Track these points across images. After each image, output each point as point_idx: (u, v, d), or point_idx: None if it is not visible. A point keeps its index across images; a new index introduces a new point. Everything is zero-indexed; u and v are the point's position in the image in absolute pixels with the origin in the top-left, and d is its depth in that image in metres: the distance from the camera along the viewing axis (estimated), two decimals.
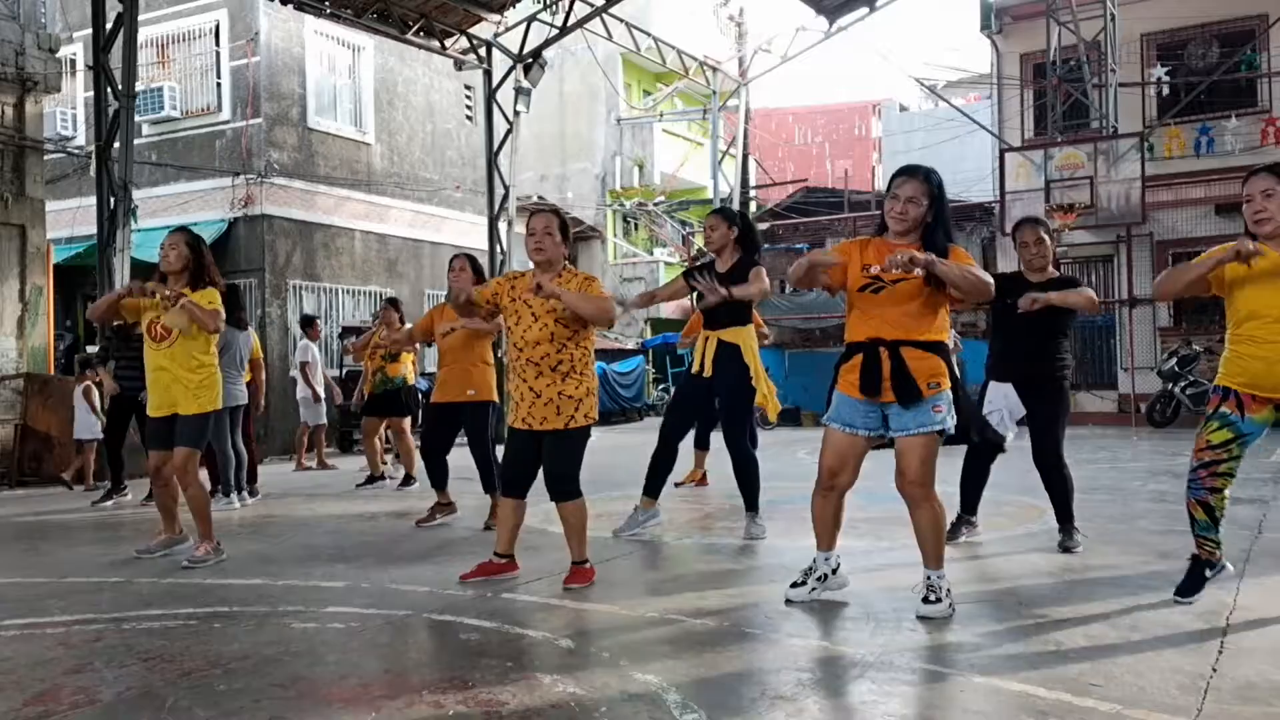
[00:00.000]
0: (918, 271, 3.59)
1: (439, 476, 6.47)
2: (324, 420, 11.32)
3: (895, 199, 3.82)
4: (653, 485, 5.91)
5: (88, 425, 9.39)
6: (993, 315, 5.25)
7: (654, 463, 5.90)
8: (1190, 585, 3.95)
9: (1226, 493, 3.89)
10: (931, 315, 3.78)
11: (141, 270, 11.11)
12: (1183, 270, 3.87)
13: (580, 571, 4.49)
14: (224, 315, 5.38)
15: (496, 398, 6.39)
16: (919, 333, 3.75)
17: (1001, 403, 5.20)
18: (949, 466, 5.14)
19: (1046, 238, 5.16)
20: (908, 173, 3.87)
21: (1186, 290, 3.89)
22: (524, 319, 4.43)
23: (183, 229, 5.62)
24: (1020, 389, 5.15)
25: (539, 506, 5.14)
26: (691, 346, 6.19)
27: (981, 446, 5.15)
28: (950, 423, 3.79)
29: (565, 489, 4.46)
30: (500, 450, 5.01)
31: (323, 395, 11.04)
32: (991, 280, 3.75)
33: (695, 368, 5.75)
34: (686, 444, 6.44)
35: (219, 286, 5.43)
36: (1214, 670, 3.08)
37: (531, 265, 4.54)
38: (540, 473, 4.53)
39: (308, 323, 11.17)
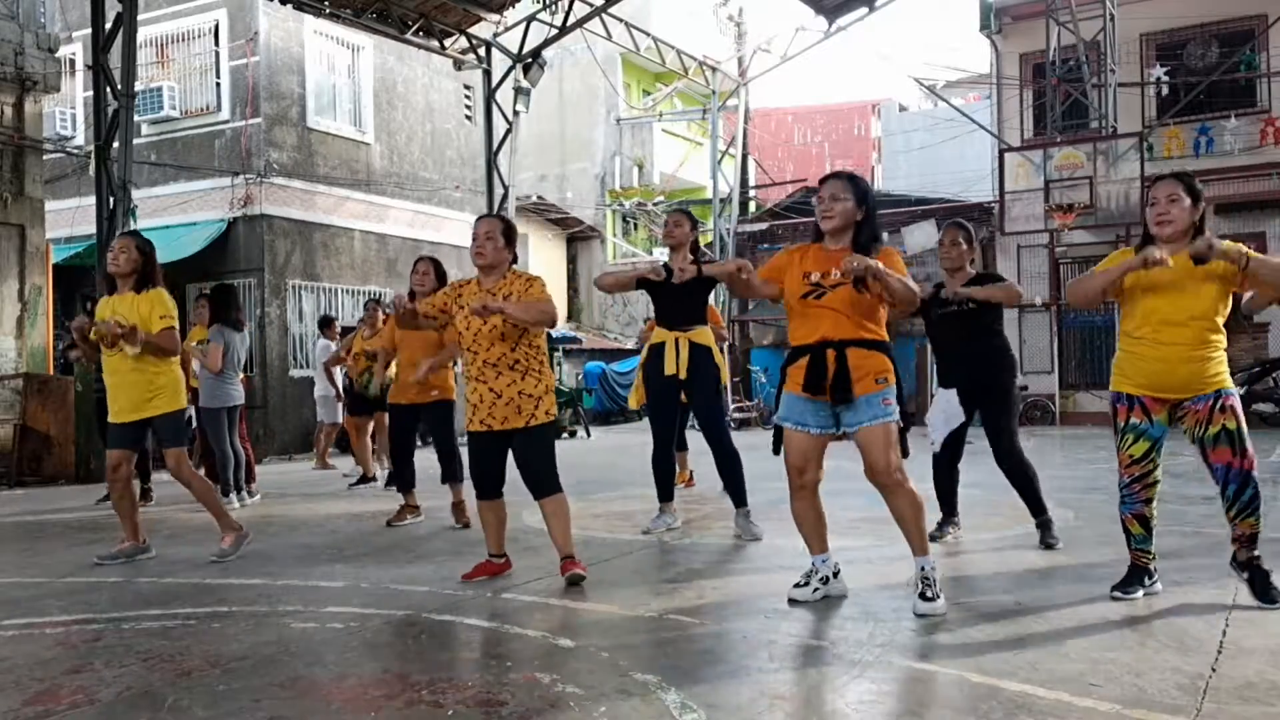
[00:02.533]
0: (868, 282, 3.72)
1: (406, 478, 6.61)
2: (339, 420, 11.36)
3: (821, 200, 3.99)
4: (664, 490, 6.00)
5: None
6: (927, 329, 5.37)
7: (655, 471, 5.97)
8: (1128, 584, 4.04)
9: (1156, 501, 4.01)
10: (872, 316, 3.91)
11: None
12: (1088, 279, 3.98)
13: (570, 564, 4.51)
14: (175, 319, 5.28)
15: (454, 396, 6.47)
16: (863, 332, 3.87)
17: (941, 409, 5.29)
18: (924, 466, 5.17)
19: (963, 242, 5.23)
20: (830, 176, 4.07)
21: (1100, 297, 3.99)
22: (473, 323, 4.45)
23: (132, 232, 5.60)
24: (965, 395, 5.21)
25: (533, 508, 5.15)
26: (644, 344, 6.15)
27: (940, 453, 5.32)
28: (897, 413, 3.89)
29: (543, 485, 4.51)
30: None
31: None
32: (919, 291, 3.92)
33: (669, 370, 5.74)
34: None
35: (161, 285, 5.37)
36: (1214, 670, 3.08)
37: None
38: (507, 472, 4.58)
39: (326, 323, 11.32)
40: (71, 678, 3.22)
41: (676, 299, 5.75)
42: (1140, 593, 4.02)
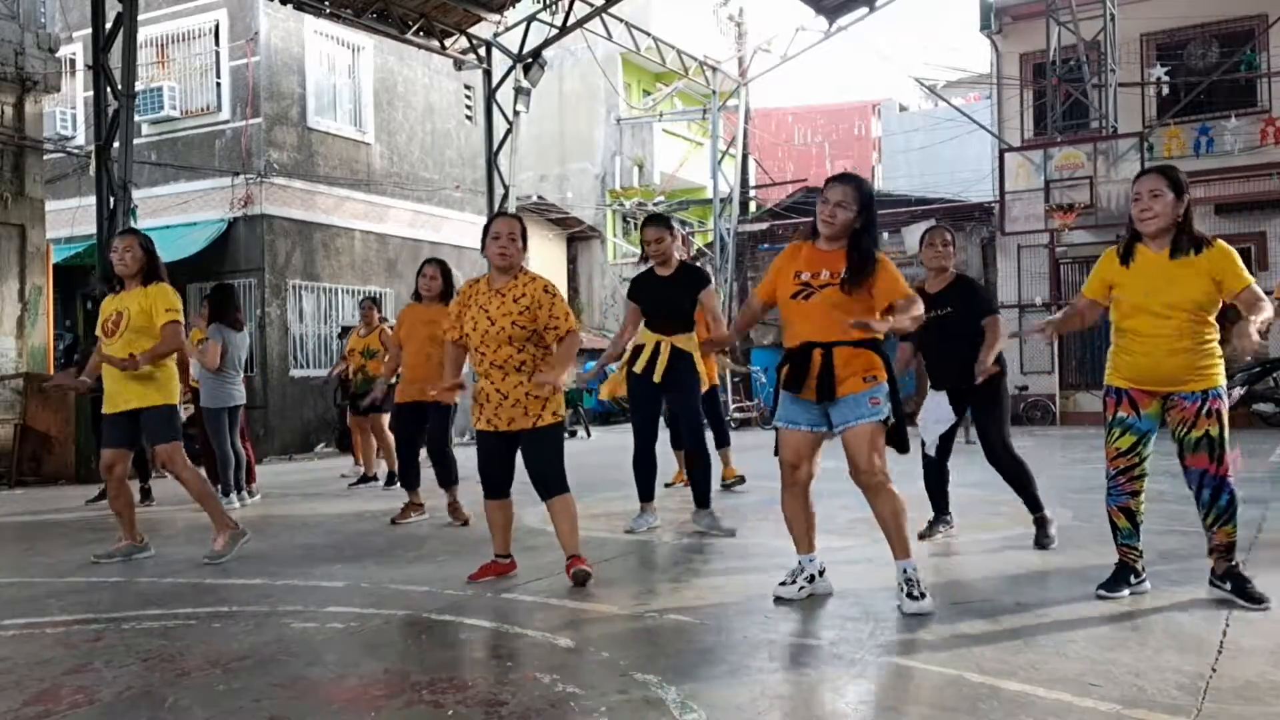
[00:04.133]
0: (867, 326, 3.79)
1: (411, 477, 6.61)
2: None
3: (825, 203, 3.97)
4: (644, 490, 5.96)
5: None
6: (915, 331, 5.37)
7: (635, 471, 5.95)
8: (1114, 583, 4.03)
9: (1143, 496, 4.01)
10: (863, 315, 3.87)
11: None
12: (1066, 321, 4.23)
13: (576, 561, 4.51)
14: (181, 314, 5.30)
15: (456, 400, 6.44)
16: (851, 333, 3.85)
17: (930, 411, 5.31)
18: (912, 464, 5.17)
19: (948, 244, 5.30)
20: (839, 179, 4.05)
21: (1091, 319, 4.17)
22: (480, 324, 4.43)
23: (132, 231, 5.61)
24: (955, 396, 5.24)
25: (535, 508, 5.15)
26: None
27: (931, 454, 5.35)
28: (887, 412, 3.88)
29: (550, 486, 4.49)
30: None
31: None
32: (919, 309, 3.94)
33: (656, 377, 5.73)
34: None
35: (165, 280, 5.39)
36: (1214, 670, 3.08)
37: (490, 268, 4.56)
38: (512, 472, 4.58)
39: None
40: (72, 677, 3.22)
41: (663, 303, 5.78)
42: (1126, 592, 4.01)
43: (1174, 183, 3.86)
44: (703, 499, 5.81)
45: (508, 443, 4.50)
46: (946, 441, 5.34)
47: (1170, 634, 3.51)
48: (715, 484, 7.81)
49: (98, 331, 5.38)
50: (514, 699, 2.92)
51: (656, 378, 5.72)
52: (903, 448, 4.05)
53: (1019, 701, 2.84)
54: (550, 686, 3.03)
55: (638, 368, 5.78)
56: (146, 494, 8.00)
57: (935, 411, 5.28)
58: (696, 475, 5.85)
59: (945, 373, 5.27)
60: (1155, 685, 2.95)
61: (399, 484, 6.70)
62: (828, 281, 3.87)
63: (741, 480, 7.90)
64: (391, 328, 7.93)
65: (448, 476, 6.43)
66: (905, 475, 3.98)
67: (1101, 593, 4.00)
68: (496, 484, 4.59)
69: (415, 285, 6.75)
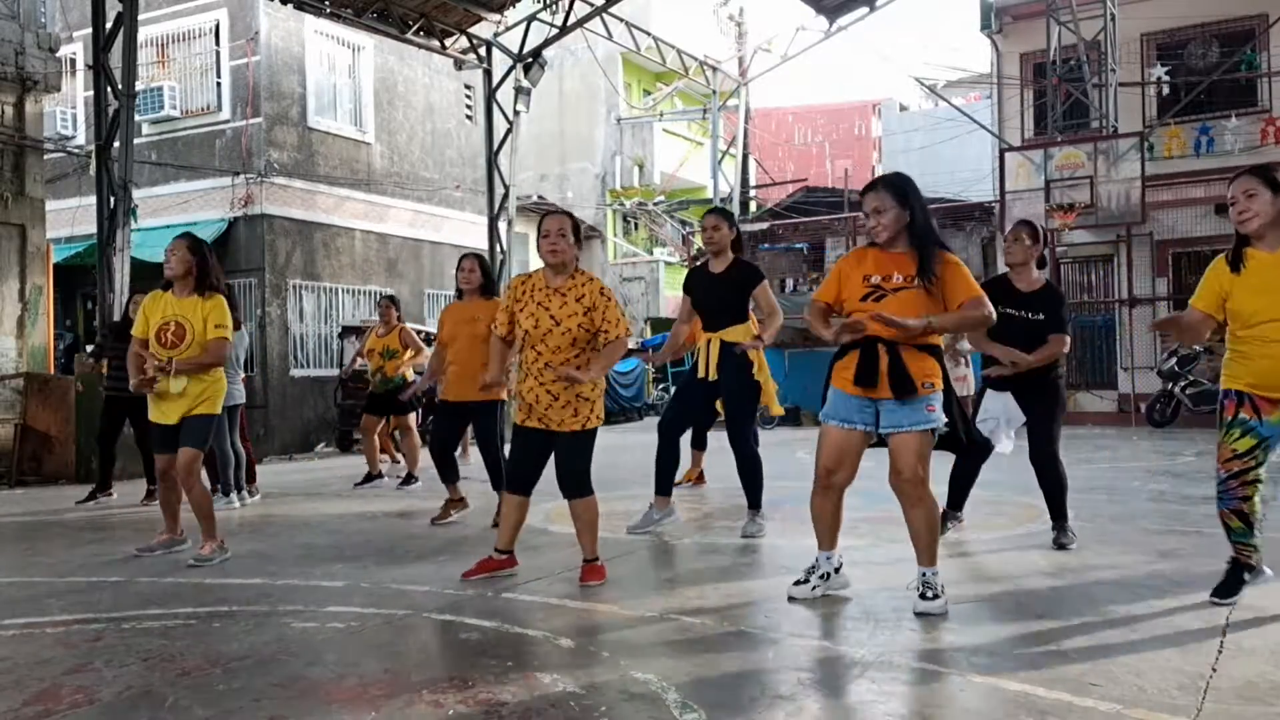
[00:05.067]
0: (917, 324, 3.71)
1: (450, 473, 6.47)
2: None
3: (867, 216, 3.95)
4: (663, 484, 5.94)
5: None
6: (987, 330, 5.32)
7: (659, 462, 5.93)
8: (1227, 587, 3.90)
9: (1258, 498, 3.87)
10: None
11: (142, 270, 11.13)
12: (1189, 326, 4.00)
13: (593, 569, 4.50)
14: (230, 330, 5.35)
15: (505, 396, 6.38)
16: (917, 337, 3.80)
17: (999, 412, 5.23)
18: (940, 466, 5.16)
19: (1026, 239, 5.24)
20: (868, 187, 4.01)
21: (1207, 332, 3.99)
22: (543, 322, 4.38)
23: (186, 234, 5.63)
24: (1017, 392, 5.18)
25: (539, 506, 5.15)
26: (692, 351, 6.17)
27: (971, 449, 5.20)
28: (941, 421, 3.84)
29: (579, 486, 4.47)
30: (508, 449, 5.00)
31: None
32: (989, 309, 3.84)
33: (701, 372, 5.76)
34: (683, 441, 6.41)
35: (222, 289, 5.43)
36: (1214, 670, 3.08)
37: (544, 265, 4.50)
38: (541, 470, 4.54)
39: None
40: (72, 677, 3.22)
41: (713, 300, 5.76)
42: (1240, 595, 3.86)
43: (1269, 180, 3.74)
44: (752, 500, 5.76)
45: (548, 442, 4.47)
46: (983, 447, 5.24)
47: (1170, 634, 3.51)
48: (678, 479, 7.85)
49: (139, 333, 5.34)
50: (514, 699, 2.92)
51: (706, 374, 5.69)
52: (953, 447, 3.99)
53: (1019, 701, 2.84)
54: (550, 686, 3.03)
55: (699, 372, 5.77)
56: (151, 495, 8.00)
57: (1005, 412, 5.21)
58: (743, 478, 5.77)
59: (1013, 375, 5.15)
60: (1155, 685, 2.95)
61: (441, 480, 6.54)
62: (901, 285, 3.80)
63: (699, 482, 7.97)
64: (415, 329, 7.80)
65: (500, 479, 6.12)
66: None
67: (1215, 599, 3.86)
68: (525, 481, 4.55)
69: (455, 281, 6.59)
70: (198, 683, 3.13)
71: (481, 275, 6.31)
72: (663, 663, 3.25)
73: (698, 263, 6.06)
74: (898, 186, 3.90)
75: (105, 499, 8.15)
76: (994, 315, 3.92)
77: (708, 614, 3.90)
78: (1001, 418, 5.22)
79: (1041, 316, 5.12)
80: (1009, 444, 5.27)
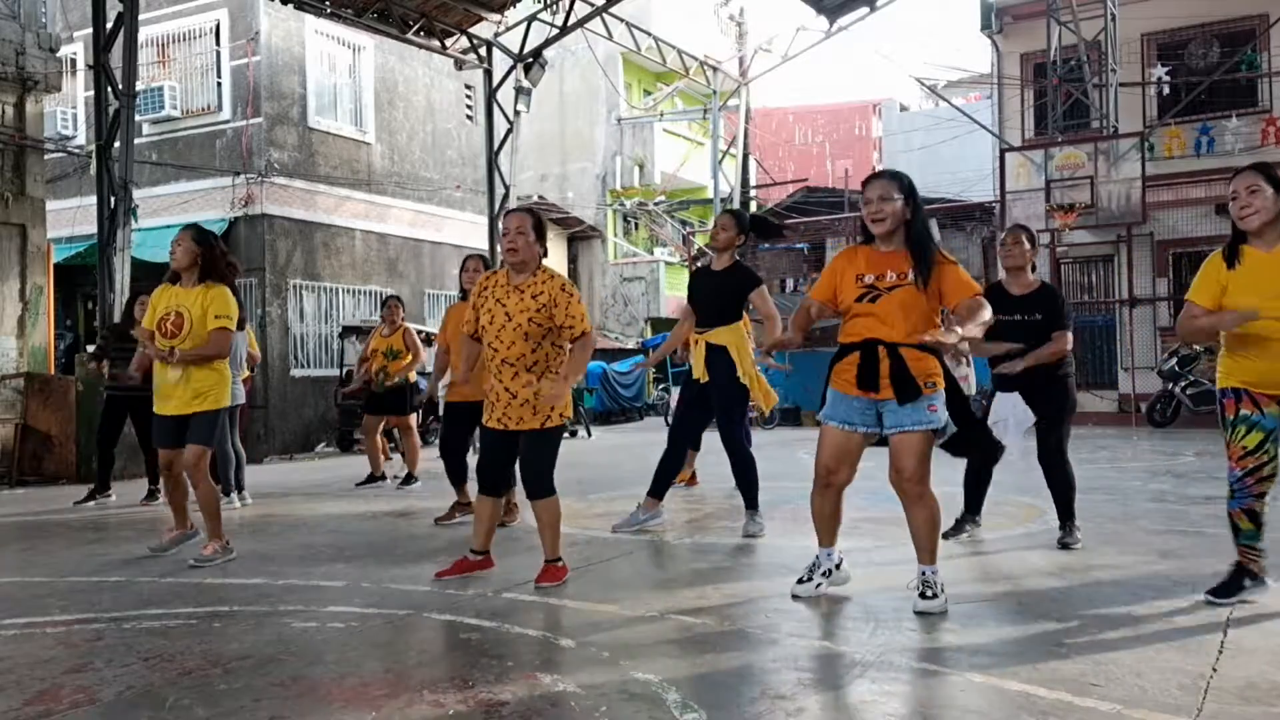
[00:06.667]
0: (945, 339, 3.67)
1: (458, 475, 6.47)
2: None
3: (869, 202, 3.90)
4: (658, 486, 5.95)
5: None
6: (989, 333, 5.31)
7: (661, 464, 5.95)
8: (1227, 589, 3.88)
9: (1268, 497, 3.86)
10: (926, 320, 3.82)
11: (142, 270, 11.13)
12: (1196, 327, 3.93)
13: (552, 569, 4.48)
14: (233, 321, 5.28)
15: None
16: (915, 336, 3.79)
17: (1008, 413, 5.22)
18: (951, 468, 5.15)
19: (1026, 242, 5.31)
20: (873, 176, 3.99)
21: (1213, 337, 3.97)
22: (497, 318, 4.39)
23: (192, 225, 5.57)
24: (1026, 393, 5.18)
25: None
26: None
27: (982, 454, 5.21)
28: (943, 421, 3.83)
29: (539, 486, 4.45)
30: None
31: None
32: (989, 307, 3.85)
33: (695, 373, 5.81)
34: None
35: (229, 281, 5.37)
36: (1214, 670, 3.08)
37: (506, 265, 4.50)
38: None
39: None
40: (72, 677, 3.22)
41: (709, 299, 5.78)
42: (1239, 598, 3.84)
43: (1271, 177, 3.74)
44: (749, 500, 5.77)
45: (512, 442, 4.47)
46: (998, 446, 5.25)
47: (1171, 634, 3.51)
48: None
49: (145, 325, 5.34)
50: (514, 699, 2.91)
51: (702, 376, 5.72)
52: (965, 453, 3.98)
53: (1020, 701, 2.83)
54: (550, 686, 3.03)
55: (693, 374, 5.79)
56: (153, 495, 8.00)
57: (1015, 413, 5.20)
58: (738, 478, 5.79)
59: (1019, 375, 5.15)
60: (1156, 685, 2.95)
61: (450, 482, 6.52)
62: (895, 283, 3.79)
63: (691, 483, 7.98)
64: (417, 330, 7.79)
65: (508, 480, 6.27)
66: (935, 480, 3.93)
67: (1210, 598, 3.85)
68: (495, 482, 4.56)
69: (459, 282, 6.57)
70: (198, 683, 3.13)
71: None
72: (663, 663, 3.25)
73: (699, 263, 6.07)
74: (904, 182, 3.90)
75: (104, 499, 8.15)
76: (992, 318, 3.92)
77: (708, 614, 3.90)
78: (1009, 418, 5.22)
79: (1039, 317, 5.13)
80: (1015, 445, 5.26)
